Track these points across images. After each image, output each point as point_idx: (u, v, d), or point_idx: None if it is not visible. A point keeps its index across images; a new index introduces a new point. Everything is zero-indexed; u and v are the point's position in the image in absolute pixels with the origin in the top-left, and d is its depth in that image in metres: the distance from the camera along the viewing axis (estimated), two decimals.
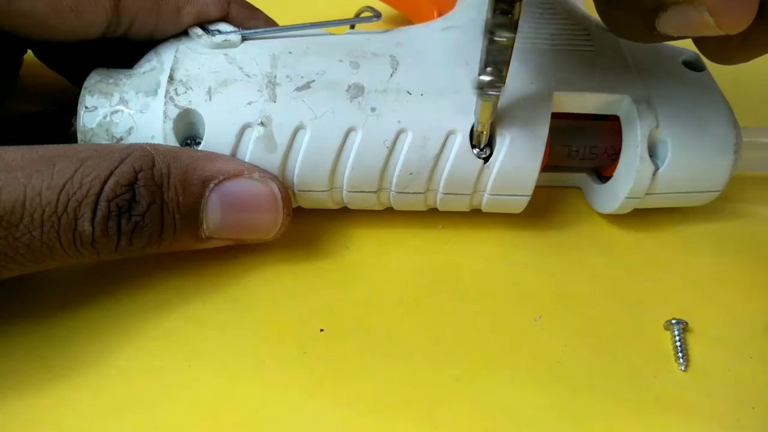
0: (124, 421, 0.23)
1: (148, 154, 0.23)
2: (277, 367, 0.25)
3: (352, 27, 0.30)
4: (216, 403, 0.23)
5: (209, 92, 0.25)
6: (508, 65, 0.23)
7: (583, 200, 0.32)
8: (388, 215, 0.29)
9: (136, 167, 0.22)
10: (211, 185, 0.24)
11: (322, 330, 0.26)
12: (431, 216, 0.30)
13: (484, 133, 0.26)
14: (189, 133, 0.26)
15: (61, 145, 0.22)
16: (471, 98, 0.26)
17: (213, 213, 0.24)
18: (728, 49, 0.24)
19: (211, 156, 0.24)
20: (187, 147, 0.25)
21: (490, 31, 0.22)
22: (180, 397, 0.23)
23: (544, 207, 0.31)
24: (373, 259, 0.29)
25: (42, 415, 0.23)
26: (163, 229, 0.23)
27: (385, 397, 0.24)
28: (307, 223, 0.29)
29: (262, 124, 0.25)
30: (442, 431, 0.23)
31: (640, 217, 0.31)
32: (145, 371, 0.24)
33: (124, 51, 0.27)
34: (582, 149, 0.30)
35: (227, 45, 0.26)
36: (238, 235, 0.26)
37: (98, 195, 0.21)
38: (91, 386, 0.23)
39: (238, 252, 0.27)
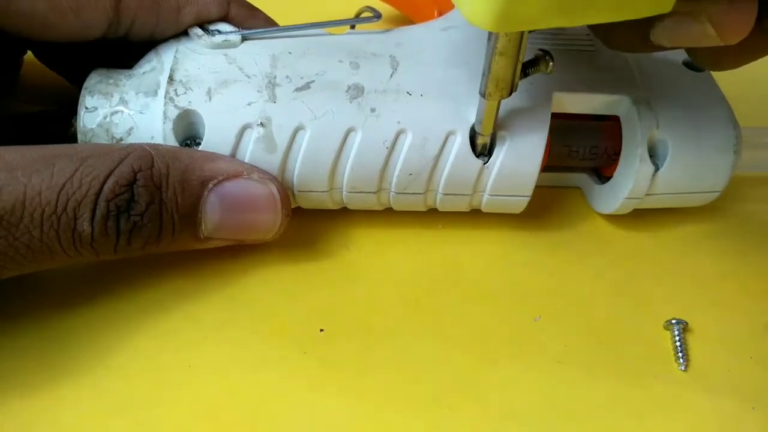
0: (124, 420, 0.23)
1: (148, 154, 0.23)
2: (277, 367, 0.25)
3: (352, 27, 0.30)
4: (216, 403, 0.23)
5: (209, 93, 0.25)
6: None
7: (583, 200, 0.32)
8: (387, 215, 0.29)
9: (135, 167, 0.22)
10: (210, 185, 0.24)
11: (322, 330, 0.26)
12: (431, 216, 0.30)
13: (486, 144, 0.26)
14: (189, 133, 0.25)
15: (61, 145, 0.22)
16: (471, 99, 0.26)
17: (212, 213, 0.24)
18: (722, 55, 0.24)
19: (211, 156, 0.24)
20: (187, 147, 0.25)
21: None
22: (180, 397, 0.23)
23: (544, 207, 0.31)
24: (373, 259, 0.29)
25: (42, 415, 0.23)
26: (161, 229, 0.23)
27: (385, 397, 0.24)
28: (307, 223, 0.29)
29: (261, 124, 0.25)
30: (442, 431, 0.24)
31: (640, 217, 0.31)
32: (144, 371, 0.24)
33: (124, 51, 0.27)
34: (582, 149, 0.30)
35: (227, 45, 0.26)
36: (236, 235, 0.26)
37: (97, 195, 0.21)
38: (90, 386, 0.23)
39: (237, 252, 0.27)
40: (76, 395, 0.23)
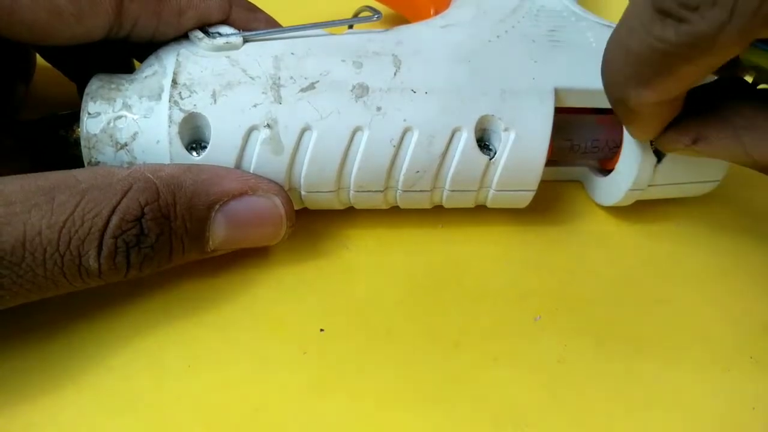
0: (124, 420, 0.23)
1: (152, 184, 0.22)
2: (277, 367, 0.25)
3: (350, 27, 0.30)
4: (216, 403, 0.24)
5: (214, 95, 0.25)
6: None
7: (583, 195, 0.32)
8: (388, 215, 0.29)
9: (142, 201, 0.22)
10: (217, 207, 0.24)
11: (322, 330, 0.26)
12: (431, 216, 0.30)
13: None
14: (194, 136, 0.25)
15: (60, 174, 0.22)
16: (475, 95, 0.26)
17: (218, 231, 0.24)
18: None
19: (214, 178, 0.24)
20: (189, 165, 0.25)
21: None
22: (180, 397, 0.24)
23: (545, 203, 0.31)
24: (373, 259, 0.29)
25: (42, 415, 0.23)
26: (171, 253, 0.23)
27: (385, 396, 0.24)
28: (307, 223, 0.29)
29: (268, 126, 0.25)
30: (442, 431, 0.24)
31: (641, 214, 0.31)
32: (145, 371, 0.24)
33: (126, 51, 0.27)
34: (583, 143, 0.30)
35: (229, 47, 0.26)
36: (241, 246, 0.26)
37: (102, 232, 0.21)
38: (91, 386, 0.24)
39: (238, 253, 0.27)
40: (77, 395, 0.23)
